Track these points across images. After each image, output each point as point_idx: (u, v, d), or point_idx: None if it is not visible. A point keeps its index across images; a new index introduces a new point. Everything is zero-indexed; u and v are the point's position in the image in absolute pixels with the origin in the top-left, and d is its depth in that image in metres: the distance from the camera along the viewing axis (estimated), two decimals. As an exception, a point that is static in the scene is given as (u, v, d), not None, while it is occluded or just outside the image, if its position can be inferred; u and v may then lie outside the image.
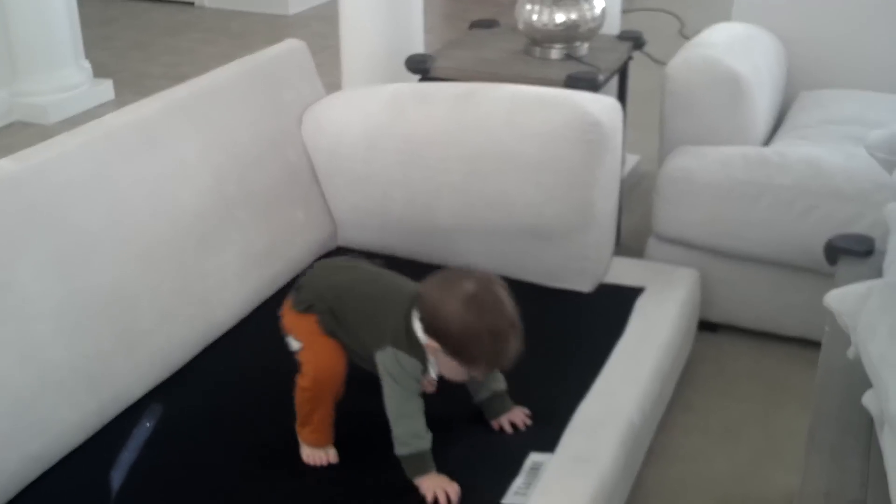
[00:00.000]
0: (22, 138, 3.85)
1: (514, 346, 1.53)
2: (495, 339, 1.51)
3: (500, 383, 1.70)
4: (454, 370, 1.56)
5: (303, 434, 1.64)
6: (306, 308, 1.66)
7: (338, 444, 1.64)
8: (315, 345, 1.64)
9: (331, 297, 1.65)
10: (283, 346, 1.70)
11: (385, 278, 1.70)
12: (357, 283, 1.68)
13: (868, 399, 1.25)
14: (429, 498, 1.52)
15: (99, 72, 4.43)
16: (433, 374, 1.60)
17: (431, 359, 1.57)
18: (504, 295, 1.54)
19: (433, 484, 1.53)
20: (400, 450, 1.56)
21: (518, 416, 1.70)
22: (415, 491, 1.53)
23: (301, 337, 1.66)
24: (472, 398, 1.70)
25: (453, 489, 1.53)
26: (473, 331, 1.50)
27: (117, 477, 1.57)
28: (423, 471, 1.54)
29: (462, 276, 1.56)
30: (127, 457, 1.62)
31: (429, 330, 1.54)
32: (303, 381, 1.63)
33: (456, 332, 1.50)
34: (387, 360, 1.57)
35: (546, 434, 1.66)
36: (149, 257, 1.79)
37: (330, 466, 1.61)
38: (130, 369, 1.73)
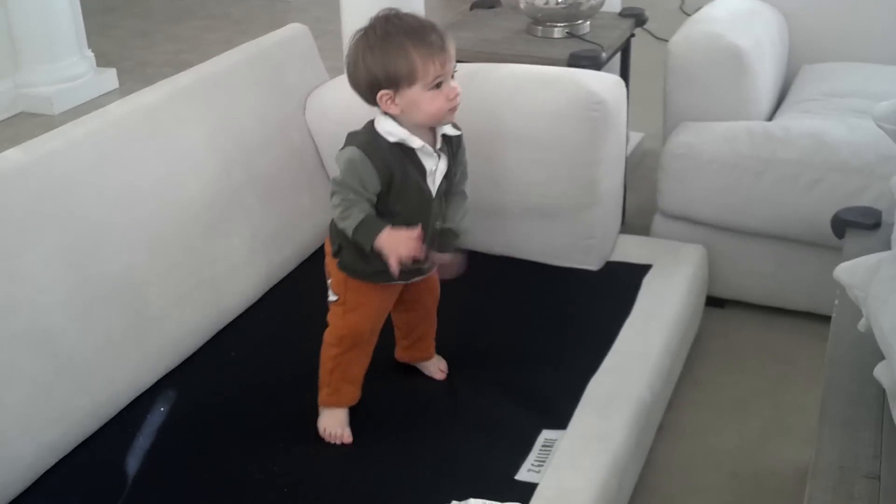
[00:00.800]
0: (27, 129, 3.85)
1: (428, 25, 1.53)
2: (407, 31, 1.51)
3: (455, 222, 1.68)
4: (425, 101, 1.52)
5: (322, 395, 1.65)
6: (336, 251, 1.64)
7: (353, 425, 1.66)
8: (348, 301, 1.64)
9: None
10: (295, 331, 1.71)
11: None
12: None
13: (879, 371, 1.26)
14: (393, 266, 1.51)
15: (101, 61, 4.42)
16: (406, 139, 1.55)
17: (395, 126, 1.55)
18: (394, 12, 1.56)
19: (395, 242, 1.51)
20: (351, 232, 1.54)
21: (452, 265, 1.65)
22: (428, 469, 1.54)
23: (337, 290, 1.65)
24: None
25: (418, 239, 1.51)
26: (385, 44, 1.51)
27: (132, 463, 1.59)
28: (375, 232, 1.52)
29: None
30: (141, 443, 1.63)
31: (371, 90, 1.54)
32: (329, 338, 1.65)
33: (379, 61, 1.51)
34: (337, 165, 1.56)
35: (558, 411, 1.68)
36: (157, 244, 1.80)
37: (344, 447, 1.62)
38: (142, 356, 1.74)
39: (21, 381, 1.52)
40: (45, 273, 1.59)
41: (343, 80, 2.35)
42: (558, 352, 1.86)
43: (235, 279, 1.96)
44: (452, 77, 1.56)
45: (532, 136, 2.07)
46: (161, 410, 1.71)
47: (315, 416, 1.67)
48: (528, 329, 1.94)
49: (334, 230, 1.64)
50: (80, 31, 4.23)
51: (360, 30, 1.57)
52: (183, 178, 1.88)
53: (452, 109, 1.57)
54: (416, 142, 1.57)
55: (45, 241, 1.60)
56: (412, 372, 1.80)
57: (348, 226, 1.54)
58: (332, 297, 1.66)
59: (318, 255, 2.20)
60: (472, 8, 3.05)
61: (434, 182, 1.62)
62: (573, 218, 2.12)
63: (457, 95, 1.56)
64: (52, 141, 1.72)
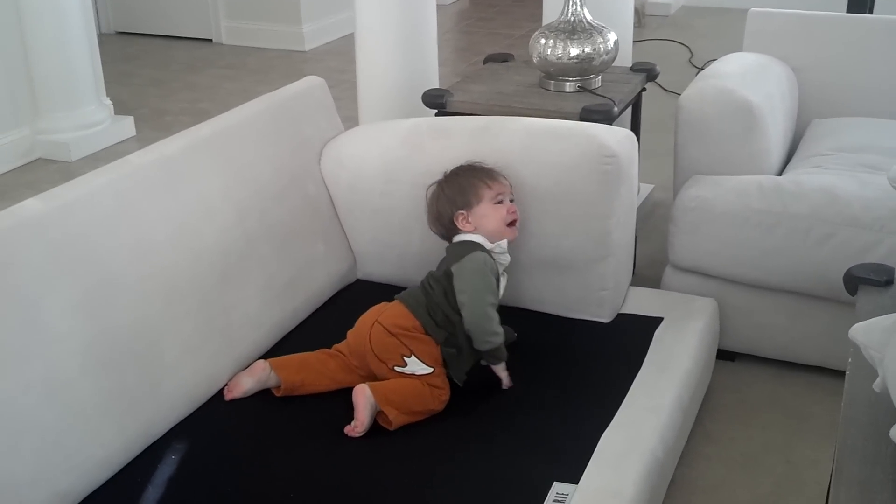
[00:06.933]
0: (45, 175, 3.90)
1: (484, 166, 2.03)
2: (472, 168, 2.03)
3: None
4: (490, 213, 1.97)
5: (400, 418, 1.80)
6: (445, 341, 1.88)
7: (362, 473, 1.65)
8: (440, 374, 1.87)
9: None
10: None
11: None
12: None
13: (895, 432, 1.25)
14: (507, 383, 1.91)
15: (119, 108, 4.48)
16: (497, 246, 1.96)
17: (480, 237, 1.96)
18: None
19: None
20: (481, 346, 1.87)
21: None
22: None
23: (432, 363, 1.85)
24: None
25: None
26: (456, 176, 2.02)
27: (143, 513, 1.59)
28: (501, 359, 1.90)
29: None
30: (152, 493, 1.63)
31: (452, 217, 1.97)
32: (439, 405, 1.83)
33: (454, 188, 1.99)
34: (465, 268, 1.89)
35: (570, 465, 1.67)
36: (173, 294, 1.81)
37: (361, 497, 1.62)
38: (156, 405, 1.74)
39: (34, 430, 1.53)
40: (62, 322, 1.60)
41: (358, 132, 2.40)
42: (571, 404, 1.86)
43: (249, 328, 1.97)
44: (511, 201, 2.00)
45: (545, 188, 2.09)
46: (173, 459, 1.71)
47: (329, 465, 1.68)
48: (541, 381, 1.94)
49: (436, 321, 1.87)
50: (98, 79, 4.29)
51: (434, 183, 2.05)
52: (199, 227, 1.90)
53: (511, 224, 1.99)
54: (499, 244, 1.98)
55: (63, 291, 1.62)
56: (420, 421, 1.81)
57: (489, 346, 1.88)
58: (426, 370, 1.83)
59: (331, 304, 2.22)
60: (485, 61, 3.10)
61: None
62: (586, 270, 2.13)
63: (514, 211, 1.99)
64: (71, 190, 1.74)
